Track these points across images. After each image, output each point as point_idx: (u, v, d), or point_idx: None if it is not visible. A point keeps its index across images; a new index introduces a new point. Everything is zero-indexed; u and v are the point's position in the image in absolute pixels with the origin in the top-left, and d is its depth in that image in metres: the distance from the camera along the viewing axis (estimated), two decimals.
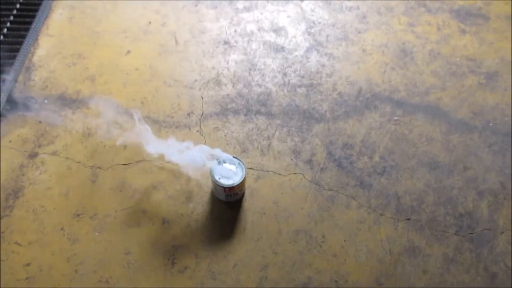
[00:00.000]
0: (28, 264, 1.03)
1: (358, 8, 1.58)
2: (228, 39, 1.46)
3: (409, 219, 1.12)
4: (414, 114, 1.30)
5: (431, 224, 1.11)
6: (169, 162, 1.11)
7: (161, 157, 1.08)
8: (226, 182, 1.06)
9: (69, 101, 1.30)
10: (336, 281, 1.02)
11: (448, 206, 1.14)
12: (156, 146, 1.09)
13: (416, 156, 1.22)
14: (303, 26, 1.51)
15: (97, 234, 1.08)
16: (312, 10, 1.56)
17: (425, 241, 1.08)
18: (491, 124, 1.30)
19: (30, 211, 1.10)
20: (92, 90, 1.33)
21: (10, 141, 1.21)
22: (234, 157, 1.09)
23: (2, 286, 1.00)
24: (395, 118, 1.29)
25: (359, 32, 1.51)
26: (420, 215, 1.12)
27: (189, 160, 1.06)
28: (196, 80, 1.35)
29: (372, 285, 1.02)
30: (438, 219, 1.12)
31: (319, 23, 1.52)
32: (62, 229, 1.08)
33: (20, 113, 1.27)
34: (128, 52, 1.42)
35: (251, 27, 1.50)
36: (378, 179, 1.18)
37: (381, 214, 1.12)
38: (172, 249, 1.06)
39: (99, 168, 1.18)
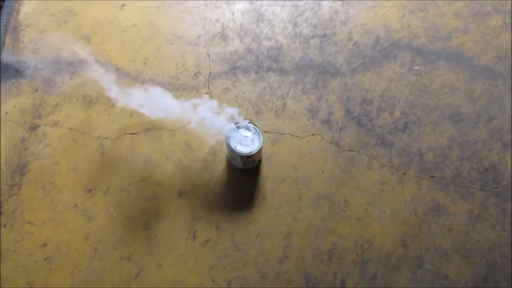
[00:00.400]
0: (45, 245, 1.01)
1: None
2: None
3: (433, 176, 1.08)
4: (435, 63, 1.22)
5: (456, 180, 1.08)
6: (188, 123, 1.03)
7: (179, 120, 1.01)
8: (244, 150, 1.00)
9: (65, 65, 1.20)
10: (361, 245, 1.01)
11: (473, 160, 1.10)
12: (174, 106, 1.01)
13: (439, 109, 1.16)
14: None
15: (112, 209, 1.04)
16: None
17: (449, 198, 1.06)
18: None
19: (39, 188, 1.06)
20: (88, 51, 1.22)
21: (7, 113, 1.13)
22: (250, 122, 1.02)
23: (21, 268, 0.98)
24: (416, 68, 1.21)
25: None
26: (444, 172, 1.09)
27: (208, 122, 0.99)
28: (200, 36, 1.24)
29: (397, 247, 1.01)
30: (463, 175, 1.08)
31: None
32: (75, 206, 1.04)
33: (13, 80, 1.18)
34: (123, 6, 1.29)
35: None
36: (400, 136, 1.12)
37: (404, 173, 1.08)
38: (191, 222, 1.03)
39: (106, 138, 1.11)
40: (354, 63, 1.21)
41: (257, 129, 1.02)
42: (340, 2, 1.30)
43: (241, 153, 1.00)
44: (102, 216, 1.03)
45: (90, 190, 1.06)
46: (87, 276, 0.98)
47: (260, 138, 1.01)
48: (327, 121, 1.14)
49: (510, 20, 1.29)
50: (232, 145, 1.01)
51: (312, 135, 1.12)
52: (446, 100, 1.17)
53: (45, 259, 0.99)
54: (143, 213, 1.03)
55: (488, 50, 1.24)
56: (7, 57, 1.19)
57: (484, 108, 1.16)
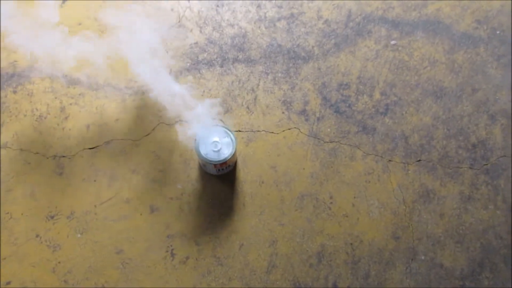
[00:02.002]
0: (8, 283, 0.92)
1: None
2: None
3: (419, 160, 1.02)
4: (412, 34, 1.13)
5: (443, 161, 1.02)
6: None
7: None
8: (215, 156, 0.91)
9: (6, 77, 1.07)
10: (351, 244, 0.95)
11: (460, 137, 1.04)
12: None
13: (420, 85, 1.08)
14: None
15: (79, 235, 0.95)
16: None
17: (438, 182, 1.00)
18: (498, 32, 1.15)
19: None
20: (30, 59, 1.09)
21: None
22: (220, 124, 0.93)
23: None
24: (392, 42, 1.12)
25: None
26: (431, 153, 1.02)
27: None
28: (155, 29, 1.12)
29: (389, 240, 0.96)
30: (450, 155, 1.02)
31: None
32: (37, 236, 0.95)
33: None
34: (64, 2, 1.15)
35: None
36: (382, 120, 1.05)
37: (390, 160, 1.02)
38: (168, 239, 0.95)
39: (63, 157, 1.00)
40: (326, 44, 1.12)
41: (228, 131, 0.93)
42: None
43: (213, 161, 0.91)
44: (69, 244, 0.94)
45: (52, 217, 0.96)
46: None
47: (232, 141, 0.92)
48: (303, 112, 1.05)
49: None
50: (203, 152, 0.92)
51: (289, 129, 1.04)
52: (427, 75, 1.09)
53: None
54: (114, 236, 0.95)
55: (467, 15, 1.16)
56: None
57: (467, 79, 1.09)
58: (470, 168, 1.02)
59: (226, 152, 0.92)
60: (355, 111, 1.05)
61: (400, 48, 1.11)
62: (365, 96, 1.07)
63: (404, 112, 1.06)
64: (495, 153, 1.03)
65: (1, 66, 1.07)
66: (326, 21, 1.14)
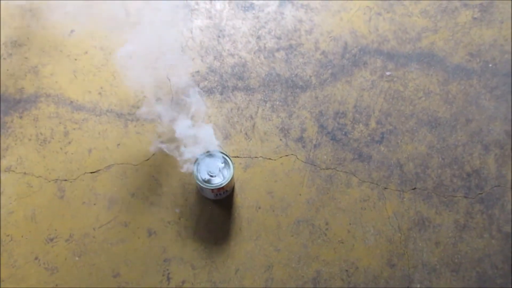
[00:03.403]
0: None
1: None
2: (187, 0, 1.25)
3: (415, 188, 1.03)
4: (407, 66, 1.17)
5: (439, 190, 1.03)
6: None
7: None
8: (213, 181, 0.93)
9: (13, 103, 1.10)
10: (346, 270, 0.95)
11: (454, 166, 1.06)
12: None
13: (415, 115, 1.11)
14: None
15: (77, 258, 0.96)
16: None
17: (434, 210, 1.01)
18: (490, 65, 1.18)
19: None
20: (37, 85, 1.13)
21: None
22: (218, 150, 0.95)
23: None
24: (387, 73, 1.16)
25: None
26: (426, 182, 1.04)
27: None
28: (158, 58, 1.16)
29: (384, 268, 0.96)
30: (445, 183, 1.04)
31: None
32: (36, 258, 0.96)
33: None
34: (72, 31, 1.20)
35: None
36: (377, 148, 1.07)
37: (385, 188, 1.03)
38: (164, 263, 0.96)
39: (65, 180, 1.03)
40: (324, 74, 1.15)
41: (226, 157, 0.95)
42: (303, 10, 1.23)
43: (210, 186, 0.93)
44: (67, 267, 0.95)
45: (51, 239, 0.97)
46: None
47: (230, 166, 0.95)
48: (300, 139, 1.08)
49: (479, 13, 1.25)
50: (201, 177, 0.94)
51: (286, 155, 1.06)
52: (422, 105, 1.12)
53: None
54: (111, 259, 0.96)
55: (460, 48, 1.20)
56: None
57: (461, 110, 1.12)
58: (465, 197, 1.03)
59: (223, 177, 0.94)
60: (351, 139, 1.08)
61: (395, 79, 1.15)
62: (361, 124, 1.09)
63: (399, 141, 1.08)
64: (490, 183, 1.04)
65: (9, 92, 1.11)
66: (323, 52, 1.18)
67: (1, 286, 0.93)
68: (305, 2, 1.25)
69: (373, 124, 1.09)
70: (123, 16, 1.22)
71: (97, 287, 0.93)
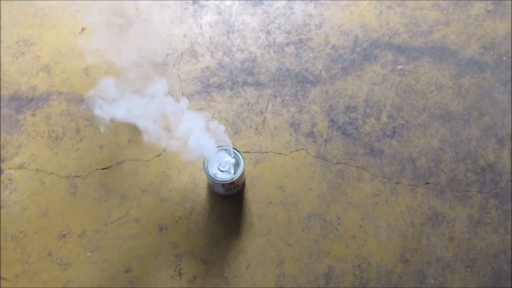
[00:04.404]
0: None
1: None
2: None
3: (428, 183, 1.02)
4: (419, 59, 1.15)
5: (452, 184, 1.02)
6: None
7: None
8: (224, 176, 0.93)
9: (26, 101, 1.11)
10: (359, 266, 0.95)
11: (468, 161, 1.04)
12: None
13: (427, 109, 1.10)
14: None
15: (89, 254, 0.96)
16: None
17: (447, 205, 1.00)
18: (504, 58, 1.16)
19: (8, 239, 0.98)
20: (49, 84, 1.14)
21: None
22: (229, 145, 0.95)
23: None
24: (399, 67, 1.14)
25: None
26: (439, 176, 1.02)
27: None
28: (168, 55, 1.16)
29: (397, 263, 0.95)
30: (459, 178, 1.02)
31: None
32: (49, 254, 0.97)
33: None
34: (83, 29, 1.21)
35: None
36: (389, 143, 1.06)
37: (397, 182, 1.02)
38: (176, 258, 0.96)
39: (77, 177, 1.03)
40: (334, 69, 1.14)
41: (237, 152, 0.95)
42: (313, 4, 1.22)
43: (221, 181, 0.93)
44: (79, 262, 0.96)
45: (64, 235, 0.98)
46: None
47: (241, 161, 0.94)
48: (311, 134, 1.07)
49: (493, 6, 1.23)
50: (212, 172, 0.94)
51: (296, 150, 1.05)
52: (434, 99, 1.11)
53: None
54: (123, 255, 0.96)
55: (473, 41, 1.18)
56: None
57: (474, 103, 1.10)
58: (479, 192, 1.01)
59: (234, 172, 0.94)
60: (362, 133, 1.07)
61: (406, 73, 1.13)
62: (372, 119, 1.08)
63: (411, 135, 1.07)
64: (504, 177, 1.03)
65: (22, 90, 1.12)
66: (333, 46, 1.17)
67: (15, 282, 0.94)
68: None
69: (384, 118, 1.08)
70: (133, 13, 1.23)
71: (109, 282, 0.94)
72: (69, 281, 0.94)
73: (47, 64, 1.16)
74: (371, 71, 1.14)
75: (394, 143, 1.06)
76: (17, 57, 1.17)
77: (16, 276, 0.95)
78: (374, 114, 1.09)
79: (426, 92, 1.11)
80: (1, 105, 1.10)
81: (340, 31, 1.19)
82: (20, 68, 1.14)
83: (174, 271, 0.95)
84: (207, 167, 0.94)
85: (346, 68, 1.14)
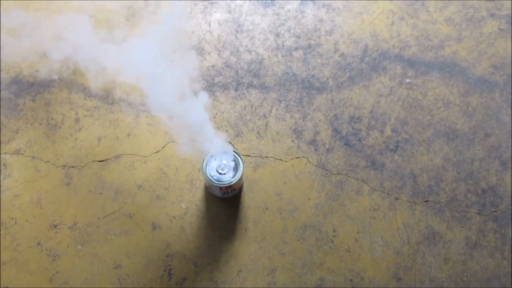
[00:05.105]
0: None
1: None
2: None
3: (427, 200, 1.00)
4: (428, 74, 1.14)
5: (452, 204, 1.00)
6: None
7: None
8: (222, 179, 0.92)
9: (26, 86, 1.10)
10: (351, 280, 0.93)
11: (469, 181, 1.03)
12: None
13: (432, 125, 1.08)
14: None
15: (79, 247, 0.95)
16: None
17: (445, 225, 0.98)
18: None
19: None
20: (51, 69, 1.12)
21: None
22: (230, 149, 0.94)
23: None
24: (407, 80, 1.13)
25: None
26: (439, 195, 1.01)
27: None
28: (175, 50, 1.14)
29: (390, 281, 0.94)
30: (459, 198, 1.01)
31: None
32: (38, 244, 0.95)
33: None
34: (90, 16, 1.19)
35: None
36: (391, 157, 1.04)
37: (396, 198, 1.00)
38: (167, 258, 0.94)
39: (73, 167, 1.02)
40: (341, 77, 1.13)
41: (236, 155, 0.93)
42: (324, 9, 1.20)
43: (219, 183, 0.91)
44: (69, 254, 0.94)
45: (55, 226, 0.96)
46: None
47: (240, 165, 0.93)
48: (313, 142, 1.05)
49: (506, 25, 1.21)
50: (210, 174, 0.92)
51: (297, 158, 1.04)
52: (440, 116, 1.09)
53: None
54: (114, 250, 0.95)
55: (483, 59, 1.16)
56: None
57: (480, 123, 1.09)
58: (479, 213, 1.00)
59: (232, 176, 0.92)
60: (365, 145, 1.05)
61: (414, 87, 1.12)
62: (376, 131, 1.07)
63: (414, 151, 1.05)
64: (505, 201, 1.01)
65: (23, 74, 1.10)
66: (342, 54, 1.15)
67: (2, 269, 0.92)
68: (327, 2, 1.22)
69: (388, 131, 1.07)
70: (141, 5, 1.20)
71: (97, 277, 0.92)
72: (57, 272, 0.93)
73: (51, 49, 1.14)
74: (378, 82, 1.12)
75: (397, 157, 1.04)
76: (21, 40, 1.14)
77: (4, 263, 0.93)
78: (378, 127, 1.07)
79: (433, 108, 1.10)
80: (1, 88, 1.08)
81: (350, 39, 1.17)
82: (23, 51, 1.12)
83: (164, 271, 0.93)
84: (206, 168, 0.92)
85: (353, 78, 1.13)
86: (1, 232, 0.95)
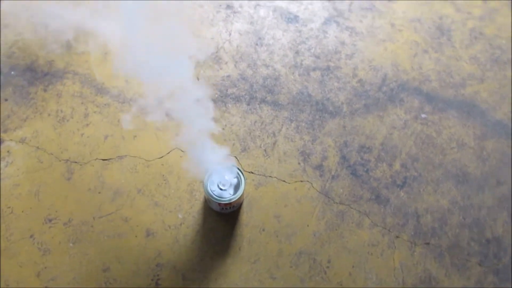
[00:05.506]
0: None
1: None
2: (231, 2, 1.21)
3: (428, 243, 0.98)
4: (445, 112, 1.11)
5: (453, 250, 0.97)
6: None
7: None
8: (222, 195, 0.90)
9: (40, 75, 1.09)
10: None
11: (474, 229, 1.00)
12: None
13: (443, 166, 1.05)
14: None
15: (71, 245, 0.94)
16: None
17: (444, 271, 0.96)
18: None
19: None
20: (67, 61, 1.12)
21: None
22: (234, 164, 0.92)
23: None
24: (423, 115, 1.10)
25: (389, 0, 1.25)
26: (441, 239, 0.98)
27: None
28: (191, 55, 1.13)
29: None
30: (461, 245, 0.98)
31: None
32: (31, 236, 0.95)
33: None
34: (110, 12, 1.18)
35: None
36: (397, 193, 1.02)
37: (397, 236, 0.98)
38: (156, 267, 0.93)
39: (75, 162, 1.01)
40: (356, 103, 1.10)
41: (240, 173, 0.92)
42: (348, 32, 1.18)
43: (218, 199, 0.90)
44: (60, 251, 0.93)
45: (50, 220, 0.96)
46: None
47: (242, 183, 0.91)
48: (319, 167, 1.03)
49: None
50: (210, 188, 0.91)
51: (301, 181, 1.02)
52: (453, 157, 1.06)
53: None
54: (105, 252, 0.94)
55: (504, 103, 1.13)
56: None
57: (493, 170, 1.06)
58: (480, 264, 0.97)
59: (233, 193, 0.91)
60: (371, 177, 1.03)
61: (429, 123, 1.09)
62: (384, 164, 1.04)
63: (421, 190, 1.03)
64: (509, 254, 0.98)
65: (38, 63, 1.10)
66: (360, 80, 1.13)
67: None
68: (351, 25, 1.20)
69: (397, 166, 1.04)
70: (163, 4, 1.19)
71: (85, 278, 0.91)
72: (45, 268, 0.92)
73: (68, 40, 1.13)
74: (393, 114, 1.10)
75: (402, 194, 1.02)
76: (40, 28, 1.14)
77: None
78: (387, 160, 1.05)
79: (446, 148, 1.07)
80: (15, 74, 1.08)
81: (370, 65, 1.15)
82: (41, 40, 1.12)
83: (152, 280, 0.92)
84: (207, 182, 0.91)
85: (368, 106, 1.10)
86: None
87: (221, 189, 0.91)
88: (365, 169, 1.04)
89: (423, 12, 1.24)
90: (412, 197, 1.02)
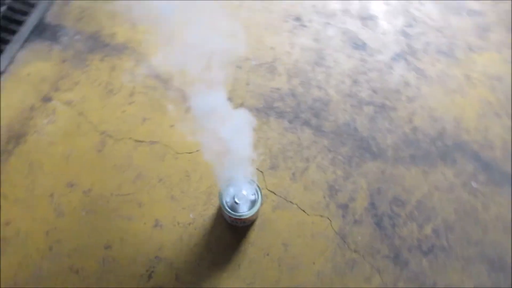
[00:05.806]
0: (7, 223, 0.96)
1: (483, 14, 1.19)
2: (301, 14, 1.17)
3: None
4: (500, 186, 1.00)
5: None
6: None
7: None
8: (235, 208, 0.88)
9: (101, 45, 1.13)
10: None
11: None
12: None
13: (480, 245, 0.95)
14: (400, 21, 1.17)
15: (83, 214, 0.97)
16: (420, 3, 1.20)
17: None
18: None
19: (26, 164, 1.01)
20: (129, 37, 1.14)
21: (28, 74, 1.09)
22: (254, 182, 0.89)
23: None
24: (474, 184, 1.00)
25: (471, 50, 1.15)
26: None
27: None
28: (247, 59, 1.11)
29: None
30: None
31: (422, 22, 1.18)
32: (51, 195, 0.98)
33: (47, 42, 1.13)
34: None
35: (334, 5, 1.19)
36: (420, 259, 0.94)
37: None
38: (155, 259, 0.93)
39: (110, 136, 1.03)
40: (403, 151, 1.03)
41: (258, 191, 0.89)
42: (415, 73, 1.10)
43: (230, 212, 0.87)
44: (72, 217, 0.96)
45: (72, 185, 0.99)
46: (32, 274, 0.92)
47: (258, 202, 0.88)
48: (344, 207, 0.97)
49: None
50: (225, 199, 0.88)
51: (321, 216, 0.97)
52: (494, 238, 0.96)
53: (2, 238, 0.94)
54: (111, 230, 0.95)
55: None
56: (50, 18, 1.14)
57: None
58: None
59: (245, 210, 0.88)
60: (396, 233, 0.95)
61: (478, 194, 0.99)
62: (415, 224, 0.96)
63: (447, 264, 0.93)
64: None
65: (102, 33, 1.13)
66: (414, 127, 1.05)
67: (12, 204, 0.97)
68: (421, 66, 1.11)
69: (428, 230, 0.96)
70: (235, 4, 1.18)
71: (86, 249, 0.93)
72: (55, 228, 0.95)
73: (135, 17, 1.15)
74: (440, 173, 1.01)
75: (425, 262, 0.93)
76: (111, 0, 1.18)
77: (16, 200, 0.97)
78: (419, 220, 0.96)
79: (489, 227, 0.96)
80: (79, 39, 1.13)
81: (430, 115, 1.06)
82: (110, 12, 1.15)
83: (147, 271, 0.92)
84: (224, 192, 0.89)
85: (415, 157, 1.02)
86: (26, 172, 1.00)
87: (235, 202, 0.89)
88: (392, 223, 0.96)
89: (506, 71, 1.12)
90: (435, 268, 0.93)
